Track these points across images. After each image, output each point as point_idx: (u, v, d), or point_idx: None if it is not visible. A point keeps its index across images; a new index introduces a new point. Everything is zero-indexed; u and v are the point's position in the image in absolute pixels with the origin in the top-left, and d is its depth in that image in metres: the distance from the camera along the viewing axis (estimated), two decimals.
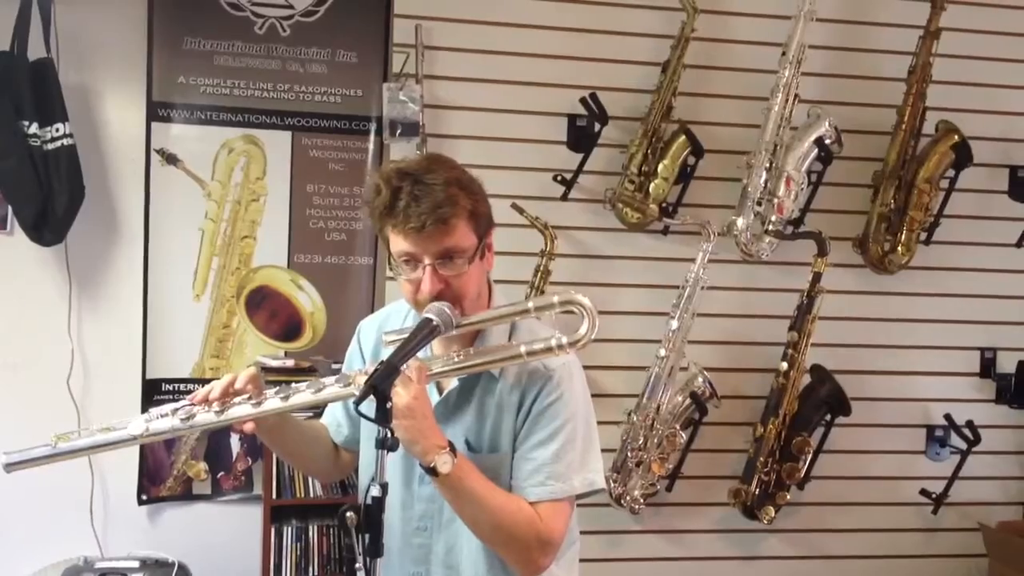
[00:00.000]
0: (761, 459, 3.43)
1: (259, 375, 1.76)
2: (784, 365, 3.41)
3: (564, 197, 3.47)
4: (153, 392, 3.46)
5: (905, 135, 3.56)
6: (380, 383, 1.50)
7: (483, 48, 3.47)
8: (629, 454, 3.38)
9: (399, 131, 3.37)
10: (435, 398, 1.77)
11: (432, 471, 1.60)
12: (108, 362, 3.46)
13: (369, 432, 1.67)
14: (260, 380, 1.75)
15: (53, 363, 3.39)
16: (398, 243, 1.67)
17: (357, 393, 1.53)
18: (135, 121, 3.44)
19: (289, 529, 3.31)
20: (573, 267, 3.50)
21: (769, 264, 3.55)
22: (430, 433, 1.61)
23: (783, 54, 3.41)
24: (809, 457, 3.47)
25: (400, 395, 1.57)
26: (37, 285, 3.40)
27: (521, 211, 3.32)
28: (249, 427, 1.72)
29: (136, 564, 3.19)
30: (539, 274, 3.38)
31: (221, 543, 3.50)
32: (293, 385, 1.72)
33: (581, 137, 3.48)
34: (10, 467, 1.71)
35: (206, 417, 1.71)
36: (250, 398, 1.71)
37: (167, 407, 1.73)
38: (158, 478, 3.50)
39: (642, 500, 3.42)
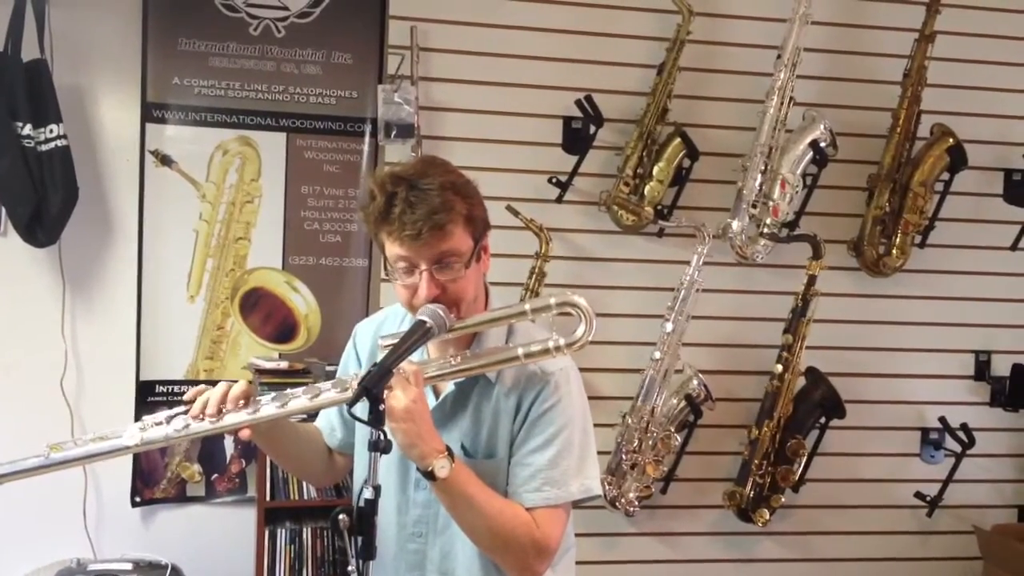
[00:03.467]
0: (756, 461, 3.43)
1: (253, 389, 1.75)
2: (779, 368, 3.41)
3: (559, 199, 3.47)
4: (147, 394, 3.45)
5: (900, 138, 3.56)
6: (373, 385, 1.50)
7: (478, 50, 3.47)
8: (624, 456, 3.38)
9: (394, 133, 3.36)
10: (432, 403, 1.76)
11: (430, 475, 1.59)
12: (102, 363, 3.45)
13: (364, 435, 1.67)
14: (254, 392, 1.75)
15: (47, 364, 3.38)
16: (394, 249, 1.66)
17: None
18: (129, 122, 3.43)
19: (283, 531, 3.30)
20: (568, 269, 3.50)
21: (764, 267, 3.55)
22: (428, 437, 1.60)
23: (778, 57, 3.41)
24: (804, 460, 3.48)
25: (398, 398, 1.56)
26: (31, 286, 3.39)
27: (516, 213, 3.31)
28: (245, 434, 1.71)
29: (129, 566, 3.18)
30: (534, 276, 3.38)
31: (215, 545, 3.49)
32: (289, 391, 1.71)
33: (576, 139, 3.48)
34: (1, 478, 1.70)
35: (201, 425, 1.70)
36: (246, 405, 1.71)
37: (161, 415, 1.72)
38: (152, 480, 3.49)
39: (637, 502, 3.42)
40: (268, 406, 1.70)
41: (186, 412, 1.71)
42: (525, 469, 1.72)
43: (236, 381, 1.75)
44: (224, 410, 1.70)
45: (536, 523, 1.69)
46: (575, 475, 1.73)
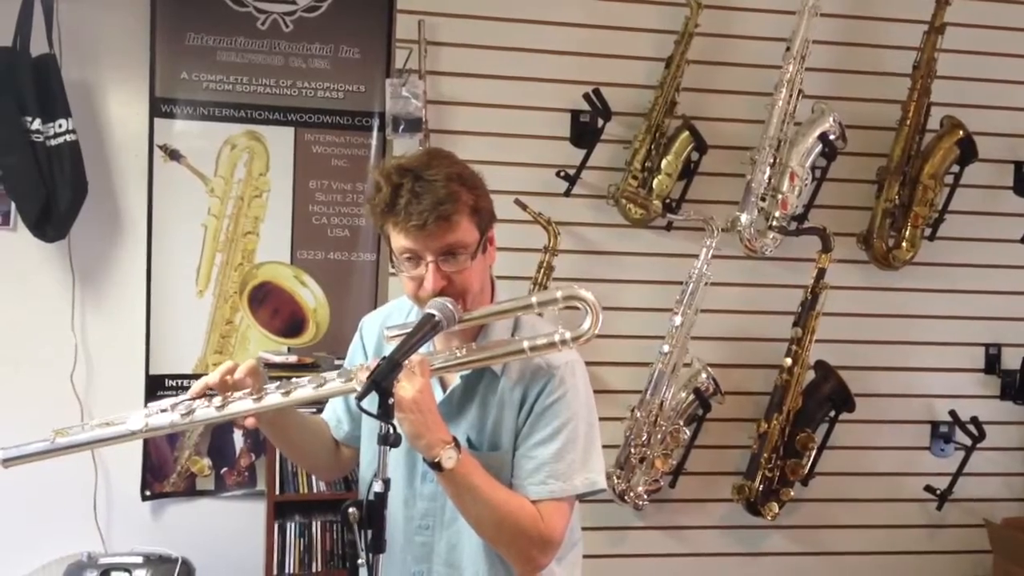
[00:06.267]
0: (765, 455, 3.43)
1: (259, 367, 1.75)
2: (788, 361, 3.41)
3: (567, 193, 3.46)
4: (156, 388, 3.46)
5: (910, 131, 3.55)
6: (382, 379, 1.50)
7: (486, 44, 3.47)
8: (632, 450, 3.38)
9: (402, 127, 3.37)
10: (439, 396, 1.76)
11: (436, 466, 1.59)
12: (111, 358, 3.46)
13: (371, 428, 1.67)
14: (260, 372, 1.74)
15: (57, 359, 3.39)
16: (400, 240, 1.66)
17: (359, 389, 1.52)
18: (138, 117, 3.44)
19: (292, 525, 3.31)
20: (576, 263, 3.50)
21: (773, 260, 3.55)
22: (435, 427, 1.60)
23: (787, 49, 3.40)
24: (813, 453, 3.47)
25: (405, 389, 1.56)
26: (40, 281, 3.40)
27: (524, 207, 3.31)
28: (250, 421, 1.71)
29: (140, 560, 3.18)
30: (542, 270, 3.38)
31: (225, 539, 3.50)
32: (294, 380, 1.70)
33: (584, 133, 3.48)
34: (8, 462, 1.70)
35: (206, 412, 1.69)
36: (251, 392, 1.70)
37: (167, 402, 1.71)
38: (162, 474, 3.51)
39: (645, 496, 3.42)
40: (273, 395, 1.70)
41: (192, 400, 1.71)
42: (530, 462, 1.72)
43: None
44: (231, 390, 1.70)
45: (541, 515, 1.69)
46: (580, 469, 1.73)
